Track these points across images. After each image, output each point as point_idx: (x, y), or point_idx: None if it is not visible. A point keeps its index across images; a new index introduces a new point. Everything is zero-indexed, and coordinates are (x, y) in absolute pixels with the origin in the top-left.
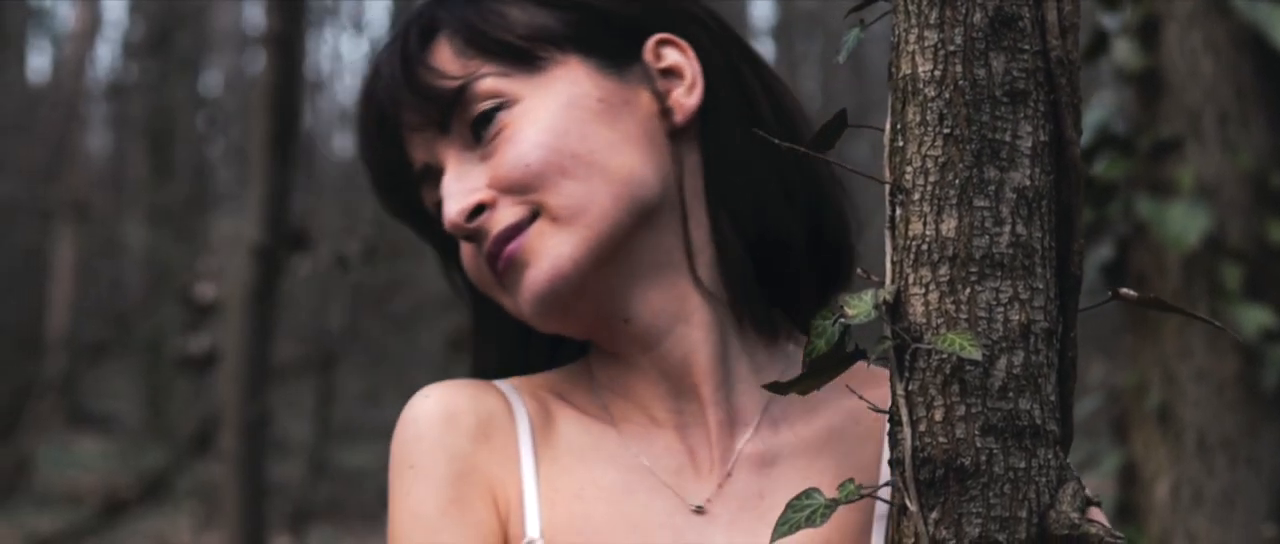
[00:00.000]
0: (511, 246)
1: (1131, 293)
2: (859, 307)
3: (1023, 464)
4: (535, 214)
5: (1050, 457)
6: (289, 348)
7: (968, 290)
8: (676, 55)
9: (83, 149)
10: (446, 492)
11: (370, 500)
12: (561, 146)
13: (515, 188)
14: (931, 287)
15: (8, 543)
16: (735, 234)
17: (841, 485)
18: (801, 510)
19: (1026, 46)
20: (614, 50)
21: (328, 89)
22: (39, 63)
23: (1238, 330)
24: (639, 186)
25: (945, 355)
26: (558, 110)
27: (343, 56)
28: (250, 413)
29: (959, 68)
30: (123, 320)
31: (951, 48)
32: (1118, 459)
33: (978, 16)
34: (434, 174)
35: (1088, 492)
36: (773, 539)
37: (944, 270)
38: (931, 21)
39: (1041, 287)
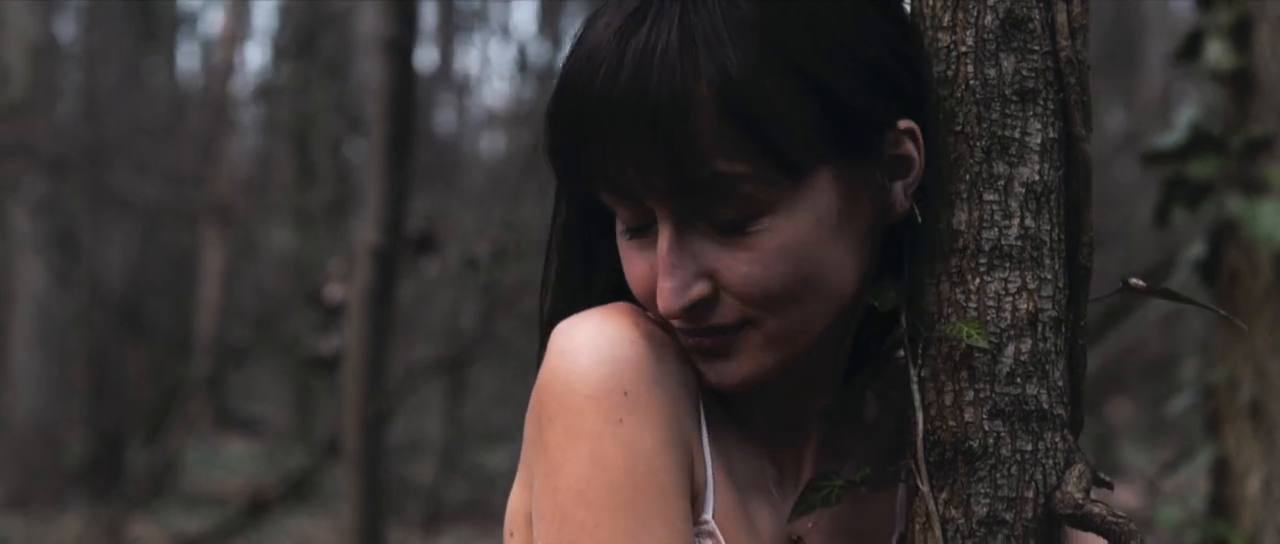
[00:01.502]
0: (719, 339)
1: (1141, 283)
2: (884, 298)
3: (1030, 447)
4: (749, 319)
5: (1058, 440)
6: (426, 349)
7: (977, 280)
8: (911, 145)
9: (232, 152)
10: (663, 429)
11: (504, 502)
12: (799, 274)
13: (742, 299)
14: (943, 277)
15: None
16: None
17: (857, 467)
18: (819, 491)
19: (1036, 47)
20: (860, 149)
21: (475, 92)
22: (189, 66)
23: (1244, 322)
24: (847, 295)
25: (955, 343)
26: (805, 231)
27: (490, 60)
28: (370, 412)
29: (970, 68)
30: (266, 323)
31: (963, 49)
32: (1210, 454)
33: (989, 19)
34: (635, 202)
35: (1101, 474)
36: (790, 518)
37: (954, 261)
38: (944, 24)
39: (1050, 277)
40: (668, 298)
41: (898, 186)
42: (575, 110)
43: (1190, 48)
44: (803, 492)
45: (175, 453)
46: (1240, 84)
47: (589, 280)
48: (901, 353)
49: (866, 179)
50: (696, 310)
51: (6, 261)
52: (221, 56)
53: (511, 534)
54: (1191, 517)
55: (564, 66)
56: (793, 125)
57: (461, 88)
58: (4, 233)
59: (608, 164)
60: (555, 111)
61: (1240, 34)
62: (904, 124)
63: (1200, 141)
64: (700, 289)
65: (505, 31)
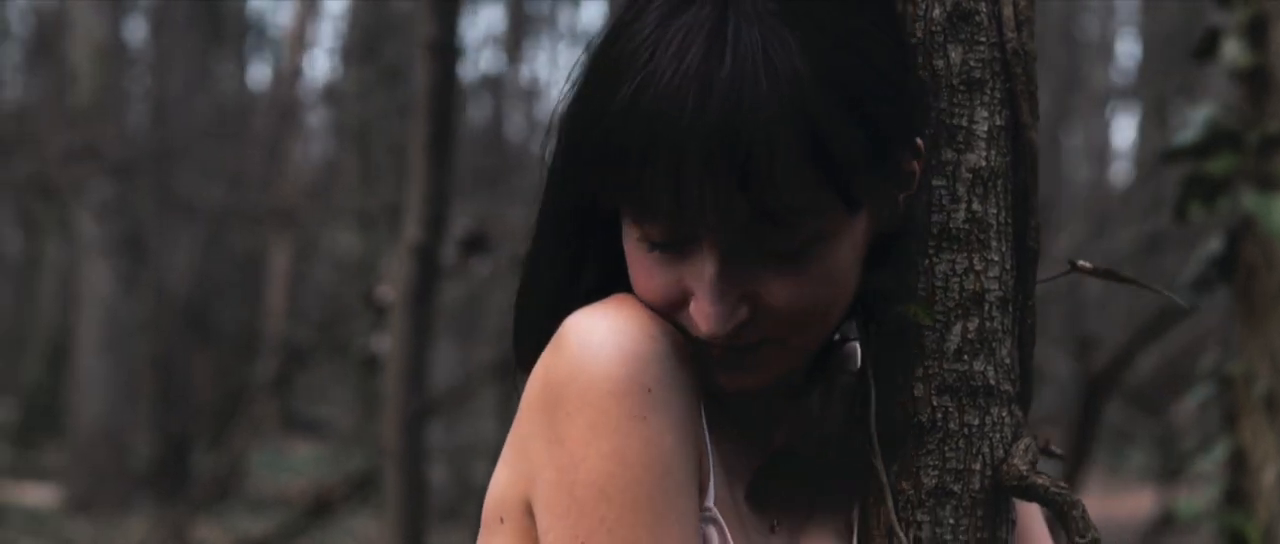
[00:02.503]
0: (743, 353)
1: (1087, 264)
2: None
3: (977, 421)
4: (778, 337)
5: (1005, 414)
6: (485, 352)
7: (925, 262)
8: (916, 161)
9: (301, 155)
10: (681, 426)
11: None
12: (834, 295)
13: (779, 321)
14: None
15: None
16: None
17: (816, 446)
18: (778, 465)
19: (983, 39)
20: (894, 175)
21: (544, 96)
22: (259, 71)
23: (1186, 299)
24: (849, 303)
25: (905, 321)
26: (845, 255)
27: (559, 64)
28: (410, 408)
29: (919, 59)
30: (328, 326)
31: (912, 41)
32: (1227, 447)
33: (937, 11)
34: (671, 224)
35: (1053, 447)
36: (750, 488)
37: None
38: None
39: (996, 259)
40: (714, 322)
41: (901, 197)
42: (651, 139)
43: (1208, 46)
44: (763, 467)
45: (240, 456)
46: (1256, 81)
47: (578, 277)
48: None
49: (888, 197)
50: (736, 332)
51: (73, 266)
52: (288, 61)
53: (501, 521)
54: (1209, 508)
55: (623, 90)
56: (860, 165)
57: (530, 92)
58: (71, 237)
59: (682, 195)
60: (615, 135)
61: (1256, 32)
62: (918, 142)
63: (1218, 138)
64: (744, 313)
65: (573, 36)
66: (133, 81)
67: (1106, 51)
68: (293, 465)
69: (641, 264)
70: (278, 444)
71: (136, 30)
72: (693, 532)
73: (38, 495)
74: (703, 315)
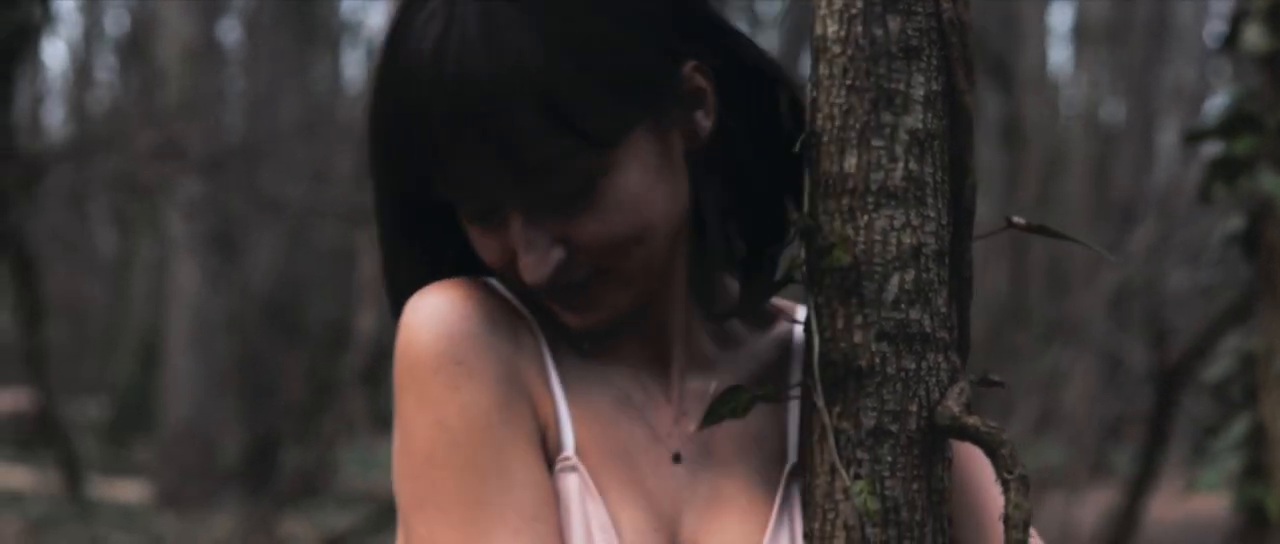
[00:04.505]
0: (579, 292)
1: (1021, 220)
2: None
3: (913, 366)
4: (603, 269)
5: (940, 360)
6: None
7: (866, 217)
8: (701, 78)
9: None
10: (500, 392)
11: None
12: (639, 220)
13: (594, 255)
14: (836, 215)
15: (305, 541)
16: (723, 232)
17: (763, 386)
18: (727, 404)
19: (920, 9)
20: (658, 101)
21: None
22: (354, 71)
23: (1116, 256)
24: (677, 224)
25: (846, 271)
26: (635, 181)
27: None
28: None
29: (860, 28)
30: None
31: (853, 11)
32: (1248, 422)
33: None
34: (479, 197)
35: (992, 376)
36: (701, 427)
37: (846, 201)
38: None
39: (933, 215)
40: (533, 271)
41: (697, 114)
42: (406, 128)
43: (1233, 32)
44: (712, 404)
45: (328, 452)
46: (1277, 66)
47: (438, 262)
48: (787, 275)
49: (672, 118)
50: (557, 273)
51: (163, 265)
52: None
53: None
54: (1230, 481)
55: (379, 81)
56: (597, 104)
57: None
58: (160, 236)
59: (449, 173)
60: (386, 130)
61: (1276, 17)
62: (689, 66)
63: (1240, 121)
64: (558, 255)
65: None
66: (227, 82)
67: (1200, 49)
68: (382, 463)
69: (475, 238)
70: (368, 442)
71: (232, 31)
72: (528, 482)
73: (129, 491)
74: (524, 267)
